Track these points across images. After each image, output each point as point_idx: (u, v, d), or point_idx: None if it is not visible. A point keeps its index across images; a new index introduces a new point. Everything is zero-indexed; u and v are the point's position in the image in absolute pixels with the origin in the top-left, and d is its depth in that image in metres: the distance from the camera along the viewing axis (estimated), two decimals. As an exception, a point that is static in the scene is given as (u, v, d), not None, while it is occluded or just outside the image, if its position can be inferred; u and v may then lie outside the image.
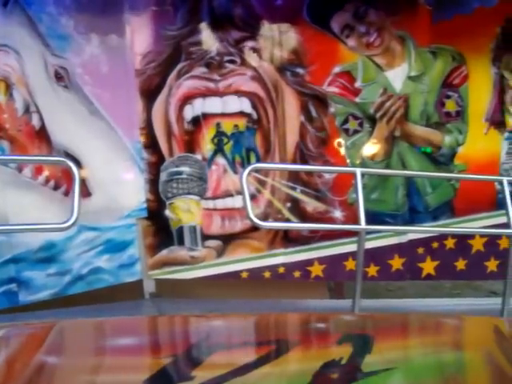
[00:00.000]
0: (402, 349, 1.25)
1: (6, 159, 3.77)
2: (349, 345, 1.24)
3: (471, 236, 4.85)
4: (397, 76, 4.74)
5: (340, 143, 4.73)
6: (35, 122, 4.06)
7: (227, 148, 4.55)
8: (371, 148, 4.79)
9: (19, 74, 4.00)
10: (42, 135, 4.09)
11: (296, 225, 4.67)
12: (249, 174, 3.88)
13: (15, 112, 4.01)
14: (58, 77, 4.13)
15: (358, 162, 4.73)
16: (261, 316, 1.59)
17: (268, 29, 4.47)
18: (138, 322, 1.51)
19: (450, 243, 4.85)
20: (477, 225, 4.87)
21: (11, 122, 3.98)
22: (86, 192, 4.16)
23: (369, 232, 4.03)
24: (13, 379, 1.01)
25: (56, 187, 4.15)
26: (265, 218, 4.51)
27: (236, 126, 4.53)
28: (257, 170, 4.33)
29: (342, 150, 4.73)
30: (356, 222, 3.87)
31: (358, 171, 3.89)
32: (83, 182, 4.06)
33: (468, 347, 1.28)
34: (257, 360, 1.09)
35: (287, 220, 4.64)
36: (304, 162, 4.63)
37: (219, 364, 1.10)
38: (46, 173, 4.10)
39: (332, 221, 4.68)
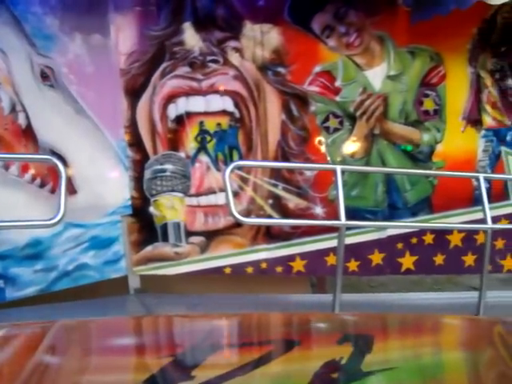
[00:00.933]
0: (401, 349, 1.25)
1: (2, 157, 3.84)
2: (349, 345, 1.24)
3: (449, 231, 4.99)
4: (376, 75, 4.85)
5: (321, 141, 4.84)
6: (21, 120, 4.12)
7: (210, 146, 4.64)
8: (351, 146, 4.90)
9: (5, 74, 4.06)
10: (28, 134, 4.15)
11: (278, 221, 4.77)
12: (231, 171, 3.99)
13: (1, 111, 4.06)
14: (44, 76, 4.20)
15: (338, 159, 4.84)
16: (261, 316, 1.59)
17: (250, 29, 4.56)
18: (137, 322, 1.51)
19: (428, 239, 4.98)
20: (454, 220, 5.01)
21: (-3, 121, 4.04)
22: (71, 189, 4.23)
23: (349, 228, 4.16)
24: (12, 379, 1.01)
25: (42, 185, 4.22)
26: (247, 214, 4.61)
27: (219, 124, 4.62)
28: (239, 168, 4.43)
29: (323, 148, 4.85)
30: (336, 218, 4.00)
31: (339, 168, 4.00)
32: (69, 180, 4.13)
33: (468, 347, 1.27)
34: (257, 360, 1.08)
35: (269, 216, 4.74)
36: (285, 159, 4.74)
37: (219, 364, 1.10)
38: (32, 171, 4.16)
39: (313, 217, 4.79)
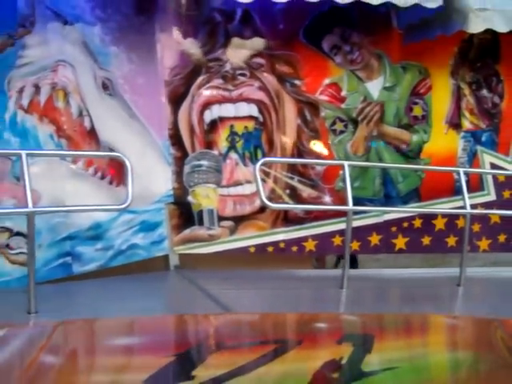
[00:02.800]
0: (402, 349, 1.25)
1: (74, 154, 4.66)
2: (349, 345, 1.23)
3: (435, 217, 5.94)
4: (374, 87, 5.79)
5: (329, 141, 5.76)
6: (86, 123, 4.95)
7: (239, 145, 5.52)
8: (354, 145, 5.83)
9: (74, 84, 4.88)
10: (91, 134, 4.98)
11: (296, 206, 5.66)
12: (261, 166, 4.90)
13: (71, 115, 4.89)
14: (105, 86, 5.03)
15: (342, 156, 5.77)
16: (261, 316, 1.59)
17: (272, 48, 5.46)
18: (138, 322, 1.51)
19: (417, 223, 5.92)
20: (439, 208, 5.97)
21: (68, 123, 4.87)
22: (125, 181, 5.07)
23: (354, 212, 5.08)
24: (13, 379, 1.01)
25: (102, 177, 5.05)
26: (269, 201, 5.50)
27: (246, 127, 5.51)
28: (266, 163, 5.31)
29: (331, 147, 5.77)
30: (343, 205, 4.93)
31: (346, 164, 4.95)
32: (123, 174, 4.97)
33: (468, 347, 1.27)
34: (257, 360, 1.08)
35: (287, 203, 5.64)
36: (300, 156, 5.64)
37: (219, 364, 1.10)
38: (95, 165, 5.00)
39: (323, 204, 5.70)
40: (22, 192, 4.40)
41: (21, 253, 4.74)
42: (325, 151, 5.72)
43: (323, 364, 1.08)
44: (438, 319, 1.58)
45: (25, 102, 4.72)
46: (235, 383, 0.98)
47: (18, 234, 4.72)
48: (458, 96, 6.06)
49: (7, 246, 4.74)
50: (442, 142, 6.01)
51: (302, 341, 1.29)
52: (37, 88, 4.75)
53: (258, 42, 5.40)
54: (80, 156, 4.80)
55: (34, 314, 4.04)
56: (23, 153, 4.00)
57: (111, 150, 5.00)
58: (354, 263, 6.01)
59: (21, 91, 4.70)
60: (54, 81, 4.80)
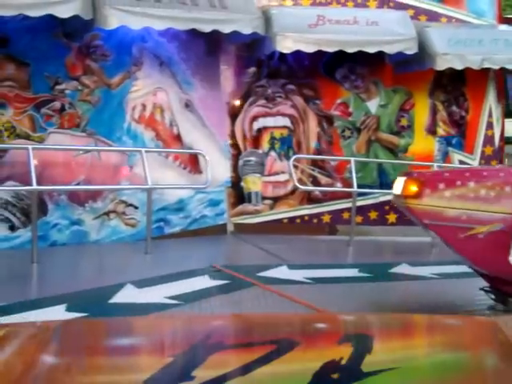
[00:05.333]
0: (402, 349, 1.24)
1: (170, 151, 6.95)
2: (349, 345, 1.22)
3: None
4: (373, 105, 8.05)
5: (340, 144, 8.03)
6: (175, 131, 7.23)
7: (276, 147, 7.79)
8: (358, 146, 8.10)
9: (166, 104, 7.17)
10: (178, 138, 7.26)
11: (317, 188, 7.89)
12: (293, 161, 7.19)
13: (165, 125, 7.17)
14: (186, 105, 7.31)
15: (350, 154, 8.02)
16: (261, 316, 1.60)
17: (300, 78, 7.74)
18: (138, 322, 1.51)
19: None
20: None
21: (163, 131, 7.16)
22: (200, 171, 7.36)
23: (358, 194, 7.33)
24: (13, 379, 1.02)
25: (185, 167, 7.32)
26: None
27: (281, 133, 7.79)
28: (297, 159, 7.57)
29: (341, 148, 8.03)
30: (349, 188, 7.19)
31: (352, 160, 7.24)
32: (197, 165, 7.27)
33: (467, 347, 1.26)
34: (257, 360, 1.07)
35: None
36: (319, 154, 7.91)
37: (219, 364, 1.10)
38: (180, 159, 7.27)
39: (335, 188, 7.96)
40: (134, 176, 6.71)
41: (132, 218, 7.03)
42: (337, 151, 7.99)
43: (323, 364, 1.07)
44: (438, 319, 1.58)
45: (136, 115, 7.01)
46: (235, 383, 0.98)
47: (131, 205, 7.00)
48: (434, 111, 8.33)
49: (123, 213, 7.02)
50: (422, 144, 8.28)
51: (302, 341, 1.30)
52: (143, 106, 7.04)
53: (290, 74, 7.68)
54: (174, 153, 7.08)
55: (150, 254, 6.28)
56: (143, 150, 6.31)
57: (190, 149, 7.29)
58: (334, 232, 8.29)
59: (133, 108, 6.99)
60: (154, 101, 7.09)
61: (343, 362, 1.06)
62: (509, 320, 1.37)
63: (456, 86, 8.33)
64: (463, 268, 4.37)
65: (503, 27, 8.34)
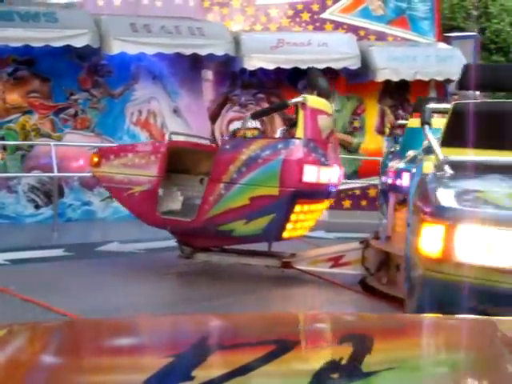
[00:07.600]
0: (402, 349, 1.24)
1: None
2: (349, 345, 1.20)
3: (368, 188, 9.89)
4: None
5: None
6: (165, 132, 9.06)
7: (249, 144, 9.57)
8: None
9: (158, 110, 9.00)
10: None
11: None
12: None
13: (157, 127, 9.01)
14: (174, 111, 9.13)
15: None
16: (261, 316, 1.62)
17: (268, 88, 9.51)
18: (138, 322, 1.51)
19: (357, 191, 9.89)
20: (370, 182, 9.89)
21: (156, 132, 8.99)
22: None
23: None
24: (13, 379, 1.01)
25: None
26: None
27: (253, 134, 9.54)
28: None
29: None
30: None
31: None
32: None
33: (467, 347, 1.24)
34: (257, 360, 1.07)
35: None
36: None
37: (219, 364, 1.10)
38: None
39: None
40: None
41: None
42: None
43: (323, 364, 1.06)
44: (438, 319, 1.56)
45: (134, 119, 8.86)
46: (235, 383, 0.98)
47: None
48: (382, 115, 10.05)
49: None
50: (372, 142, 10.01)
51: (302, 341, 1.30)
52: (140, 112, 8.89)
53: (259, 85, 9.47)
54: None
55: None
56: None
57: (178, 146, 9.10)
58: None
59: (132, 114, 8.84)
60: (148, 108, 8.93)
61: (343, 362, 1.06)
62: (508, 320, 1.40)
63: (402, 94, 10.03)
64: (170, 243, 5.49)
65: (441, 45, 10.03)
